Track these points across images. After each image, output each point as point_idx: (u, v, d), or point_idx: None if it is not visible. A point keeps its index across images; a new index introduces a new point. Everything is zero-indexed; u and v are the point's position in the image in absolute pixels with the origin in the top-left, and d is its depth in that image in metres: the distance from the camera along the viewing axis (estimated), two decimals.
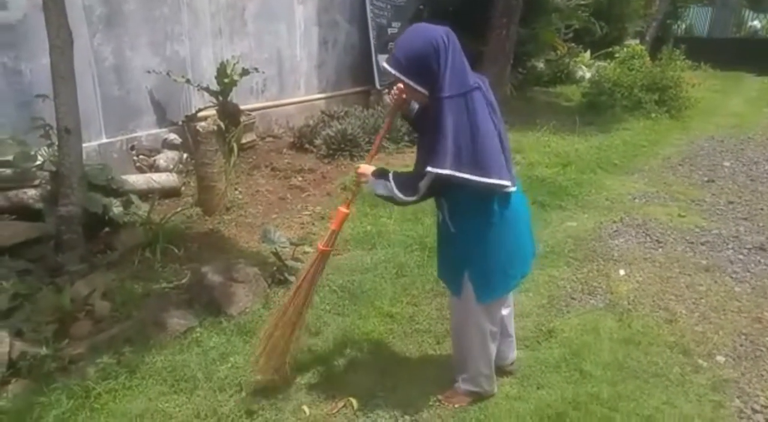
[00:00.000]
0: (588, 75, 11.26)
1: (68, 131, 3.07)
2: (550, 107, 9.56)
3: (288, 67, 6.73)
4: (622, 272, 3.80)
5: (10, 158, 3.55)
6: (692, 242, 4.28)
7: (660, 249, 4.16)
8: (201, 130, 4.13)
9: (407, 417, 2.44)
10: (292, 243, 3.61)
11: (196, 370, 2.64)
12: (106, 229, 3.70)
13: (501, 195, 2.15)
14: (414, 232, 4.16)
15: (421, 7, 8.84)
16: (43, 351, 2.57)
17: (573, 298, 3.47)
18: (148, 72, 4.93)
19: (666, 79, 9.14)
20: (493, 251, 2.22)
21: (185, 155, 5.22)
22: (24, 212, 3.47)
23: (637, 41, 13.24)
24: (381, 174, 2.23)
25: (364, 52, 7.84)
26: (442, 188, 2.12)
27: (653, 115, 8.69)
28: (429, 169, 2.00)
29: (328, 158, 5.96)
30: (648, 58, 10.17)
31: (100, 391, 2.44)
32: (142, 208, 3.94)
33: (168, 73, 5.00)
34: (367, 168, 2.30)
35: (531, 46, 9.76)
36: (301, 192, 5.07)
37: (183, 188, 4.80)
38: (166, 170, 4.88)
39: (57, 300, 2.83)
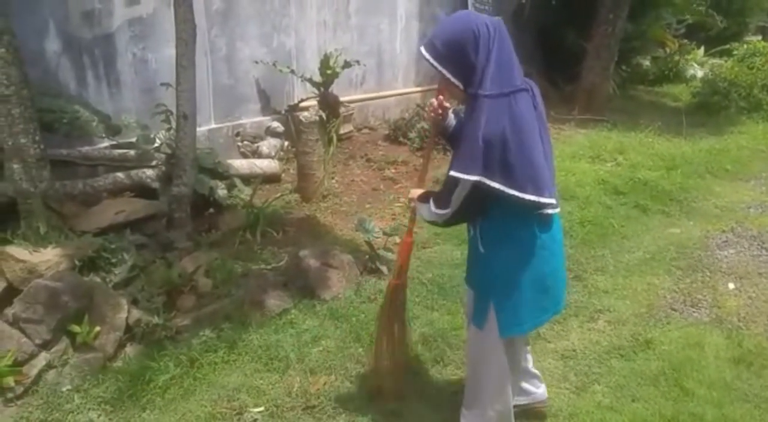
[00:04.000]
0: (700, 74, 10.45)
1: (185, 116, 3.29)
2: (655, 107, 9.01)
3: (387, 60, 6.81)
4: (731, 285, 3.53)
5: (133, 140, 3.87)
6: None
7: None
8: (304, 120, 4.27)
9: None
10: (384, 233, 3.66)
11: (289, 351, 2.74)
12: (211, 210, 3.92)
13: (542, 217, 1.85)
14: None
15: (524, 0, 8.61)
16: (155, 319, 2.77)
17: (674, 309, 3.26)
18: (256, 62, 5.17)
19: None
20: (526, 280, 1.90)
21: (286, 143, 5.44)
22: (142, 190, 3.75)
23: (759, 37, 12.14)
24: (425, 197, 2.00)
25: None
26: (481, 203, 1.82)
27: None
28: (454, 173, 1.74)
29: (422, 151, 5.96)
30: None
31: (202, 362, 2.61)
32: (245, 192, 4.15)
33: (274, 64, 5.21)
34: (415, 192, 2.06)
35: (637, 43, 9.24)
36: (394, 184, 5.13)
37: (283, 175, 5.00)
38: (268, 156, 5.10)
39: (167, 274, 3.04)
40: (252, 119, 5.36)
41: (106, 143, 4.06)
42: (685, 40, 11.00)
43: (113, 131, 3.80)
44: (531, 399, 2.38)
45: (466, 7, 7.59)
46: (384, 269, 3.44)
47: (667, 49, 10.61)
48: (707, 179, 5.59)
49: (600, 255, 3.91)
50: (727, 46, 10.47)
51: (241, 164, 4.57)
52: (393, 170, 5.42)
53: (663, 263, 3.81)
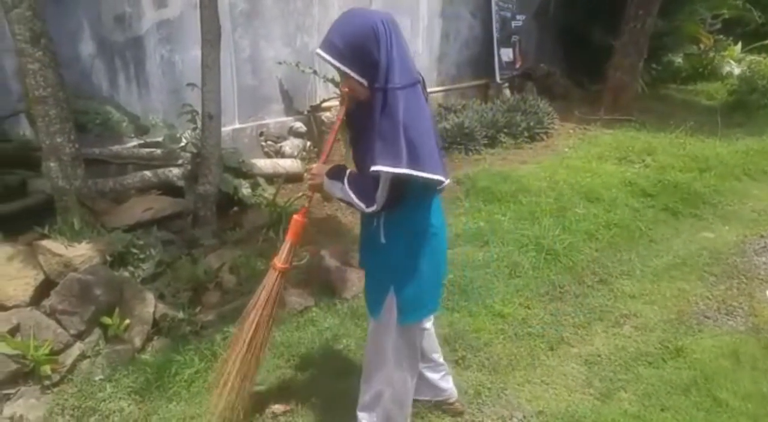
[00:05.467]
0: (737, 71, 10.13)
1: (211, 116, 3.35)
2: (687, 106, 8.79)
3: None
4: None
5: (160, 139, 3.96)
6: None
7: None
8: (326, 120, 4.31)
9: (515, 420, 2.40)
10: None
11: (310, 348, 2.78)
12: (235, 208, 3.99)
13: (435, 199, 1.94)
14: (530, 231, 4.04)
15: None
16: (180, 314, 2.84)
17: (707, 316, 3.19)
18: (279, 63, 5.21)
19: None
20: (426, 266, 1.93)
21: (309, 143, 5.48)
22: (168, 188, 3.84)
23: None
24: (336, 174, 1.91)
25: (486, 45, 7.70)
26: (401, 193, 1.79)
27: None
28: (383, 168, 1.70)
29: (443, 151, 5.93)
30: None
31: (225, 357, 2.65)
32: (268, 191, 4.20)
33: (297, 65, 5.25)
34: (320, 168, 1.96)
35: (669, 40, 9.00)
36: None
37: (305, 174, 5.04)
38: (291, 156, 5.15)
39: (193, 270, 3.11)
40: (275, 119, 5.42)
41: (134, 143, 4.15)
42: (721, 36, 10.69)
43: (142, 130, 3.89)
44: (436, 395, 2.37)
45: (489, 6, 7.55)
46: None
47: (702, 46, 10.31)
48: (744, 181, 5.44)
49: (626, 259, 3.84)
50: (766, 41, 10.13)
51: (264, 164, 4.62)
52: None
53: (695, 268, 3.73)
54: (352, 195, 1.84)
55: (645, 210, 4.64)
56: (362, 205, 1.83)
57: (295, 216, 2.02)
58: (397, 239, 1.90)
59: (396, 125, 1.71)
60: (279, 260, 2.03)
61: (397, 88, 1.73)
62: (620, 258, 3.86)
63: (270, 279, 2.05)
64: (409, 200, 1.83)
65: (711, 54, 10.62)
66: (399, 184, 1.76)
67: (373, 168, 1.71)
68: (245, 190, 3.93)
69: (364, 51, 1.72)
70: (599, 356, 2.84)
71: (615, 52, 7.75)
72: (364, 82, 1.76)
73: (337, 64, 1.73)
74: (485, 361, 2.75)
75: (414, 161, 1.70)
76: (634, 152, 6.04)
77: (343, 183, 1.86)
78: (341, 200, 1.91)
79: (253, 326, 2.06)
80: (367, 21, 1.73)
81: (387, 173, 1.71)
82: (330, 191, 1.91)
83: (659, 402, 2.49)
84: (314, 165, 2.01)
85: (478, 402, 2.50)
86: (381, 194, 1.78)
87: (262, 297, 2.05)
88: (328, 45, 1.73)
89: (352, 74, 1.75)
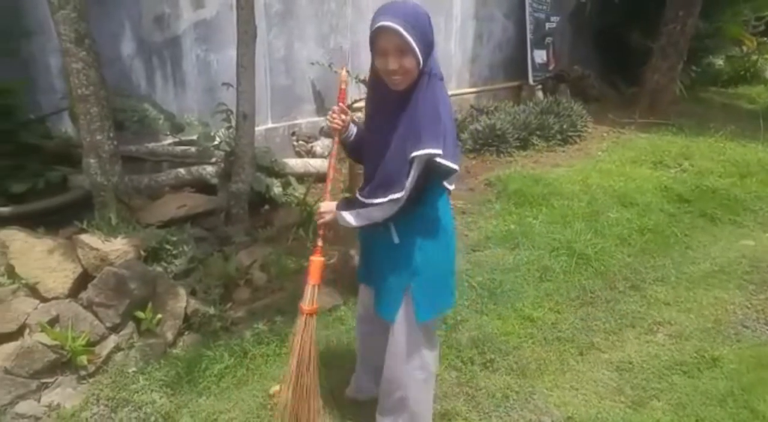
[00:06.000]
0: None
1: (245, 116, 3.39)
2: (727, 110, 8.55)
3: (441, 60, 6.69)
4: None
5: (194, 137, 4.04)
6: None
7: None
8: (357, 120, 4.31)
9: None
10: None
11: (339, 346, 2.79)
12: (266, 207, 4.02)
13: (444, 195, 1.95)
14: (561, 235, 3.98)
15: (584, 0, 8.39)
16: (211, 310, 2.89)
17: (745, 326, 3.09)
18: (312, 64, 5.27)
19: None
20: (442, 262, 1.98)
21: None
22: (202, 186, 3.91)
23: None
24: (347, 204, 1.89)
25: (519, 46, 7.63)
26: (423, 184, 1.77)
27: None
28: (430, 150, 1.67)
29: (474, 152, 5.92)
30: None
31: (255, 354, 2.69)
32: (299, 190, 4.24)
33: (329, 65, 5.29)
34: (328, 205, 1.94)
35: (711, 42, 8.78)
36: None
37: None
38: (321, 156, 5.19)
39: (224, 267, 3.16)
40: (307, 119, 5.47)
41: (169, 141, 4.24)
42: (765, 38, 10.37)
43: (177, 129, 3.97)
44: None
45: (523, 8, 7.48)
46: None
47: (744, 48, 10.03)
48: None
49: (660, 265, 3.76)
50: None
51: (295, 163, 4.66)
52: None
53: (733, 276, 3.61)
54: (374, 201, 1.79)
55: (681, 216, 4.52)
56: (386, 199, 1.76)
57: (312, 258, 2.00)
58: (411, 237, 1.90)
59: (437, 110, 1.72)
60: (306, 304, 2.01)
61: (438, 77, 1.76)
62: (654, 264, 3.77)
63: (302, 324, 2.02)
64: (422, 195, 1.82)
65: (754, 56, 10.32)
66: (427, 173, 1.74)
67: (422, 151, 1.68)
68: (276, 189, 3.97)
69: (425, 31, 1.70)
70: (631, 363, 2.78)
71: (653, 55, 7.61)
72: (420, 61, 1.70)
73: (408, 37, 1.65)
74: (514, 365, 2.72)
75: (446, 150, 1.71)
76: (670, 156, 5.91)
77: (358, 206, 1.85)
78: (359, 226, 1.88)
79: (298, 373, 2.02)
80: (421, 8, 1.73)
81: (429, 155, 1.69)
82: (345, 222, 1.88)
83: (694, 413, 2.42)
84: (321, 204, 1.98)
85: (506, 405, 2.47)
86: (410, 181, 1.74)
87: (298, 344, 2.01)
88: (398, 19, 1.65)
89: (417, 51, 1.67)
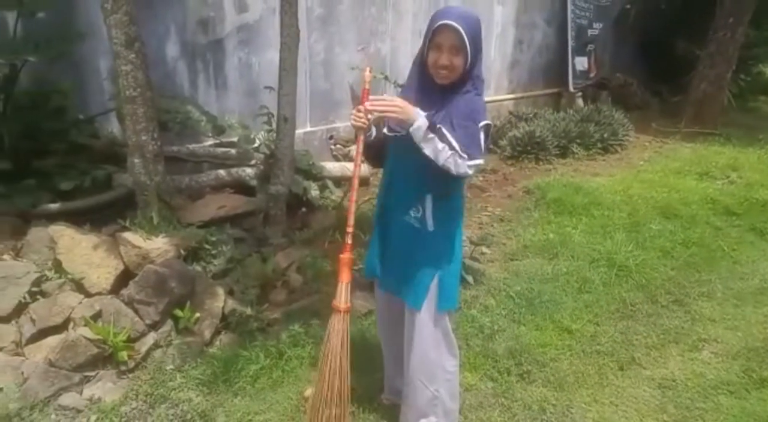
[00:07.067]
0: None
1: (286, 119, 3.42)
2: None
3: None
4: None
5: (235, 139, 4.10)
6: None
7: None
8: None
9: None
10: (471, 242, 3.62)
11: (374, 351, 2.77)
12: (303, 209, 4.05)
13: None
14: (601, 246, 3.89)
15: (628, 6, 8.22)
16: (248, 310, 2.91)
17: None
18: (352, 68, 5.29)
19: None
20: (459, 247, 2.06)
21: None
22: (241, 188, 3.95)
23: None
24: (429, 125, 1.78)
25: (560, 53, 7.53)
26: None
27: None
28: (489, 122, 1.87)
29: (512, 159, 5.85)
30: None
31: (290, 356, 2.69)
32: (336, 193, 4.26)
33: (369, 70, 5.30)
34: (406, 101, 1.82)
35: (761, 50, 8.50)
36: (482, 192, 5.05)
37: (372, 179, 5.07)
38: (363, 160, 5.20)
39: (262, 268, 3.18)
40: (345, 123, 5.49)
41: (210, 142, 4.31)
42: None
43: (218, 130, 4.03)
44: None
45: (565, 14, 7.38)
46: (470, 278, 3.39)
47: None
48: None
49: (706, 280, 3.63)
50: None
51: (333, 167, 4.68)
52: (481, 178, 5.34)
53: None
54: (455, 143, 1.75)
55: (728, 229, 4.38)
56: (472, 160, 1.77)
57: (341, 256, 2.00)
58: (443, 224, 1.96)
59: (482, 98, 1.91)
60: (339, 302, 1.99)
61: (481, 79, 1.92)
62: (699, 279, 3.65)
63: (336, 323, 2.00)
64: (457, 182, 1.96)
65: None
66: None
67: (485, 121, 1.84)
68: (314, 192, 4.00)
69: (478, 36, 1.86)
70: (674, 380, 2.69)
71: (700, 63, 7.39)
72: (468, 62, 1.84)
73: (465, 37, 1.79)
74: (551, 377, 2.66)
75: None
76: (717, 167, 5.72)
77: (442, 136, 1.76)
78: (420, 146, 1.76)
79: (335, 372, 1.99)
80: (477, 15, 1.89)
81: (488, 126, 1.86)
82: (417, 128, 1.76)
83: None
84: (395, 98, 1.86)
85: (542, 418, 2.42)
86: (484, 146, 1.85)
87: (334, 343, 1.99)
88: (457, 21, 1.79)
89: (468, 52, 1.82)
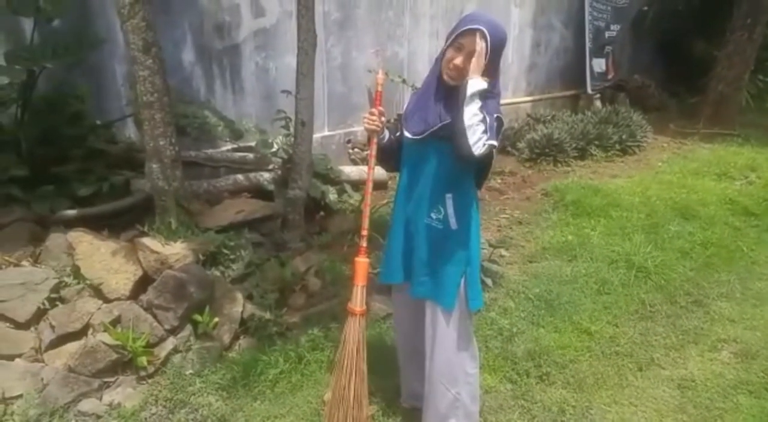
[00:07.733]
0: None
1: (304, 123, 3.43)
2: None
3: None
4: None
5: (253, 143, 4.12)
6: None
7: None
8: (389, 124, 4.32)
9: None
10: (490, 245, 3.60)
11: (393, 354, 2.75)
12: (322, 213, 4.07)
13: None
14: (620, 248, 3.86)
15: (646, 7, 8.15)
16: (267, 315, 2.92)
17: None
18: (369, 71, 5.30)
19: None
20: (478, 243, 2.08)
21: None
22: (258, 192, 3.98)
23: None
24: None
25: (578, 55, 7.48)
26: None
27: None
28: (501, 116, 1.88)
29: (530, 161, 5.82)
30: None
31: (309, 360, 2.70)
32: (354, 197, 4.27)
33: (386, 73, 5.30)
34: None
35: None
36: (500, 195, 5.03)
37: (390, 182, 5.07)
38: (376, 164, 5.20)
39: (280, 272, 3.19)
40: (362, 126, 5.50)
41: (227, 146, 4.34)
42: None
43: (236, 135, 4.05)
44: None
45: (582, 16, 7.33)
46: (489, 281, 3.37)
47: None
48: None
49: (725, 280, 3.59)
50: None
51: (351, 171, 4.69)
52: (499, 181, 5.32)
53: None
54: (488, 119, 1.79)
55: (747, 230, 4.33)
56: (489, 140, 1.79)
57: (356, 259, 2.01)
58: (465, 221, 1.97)
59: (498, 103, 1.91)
60: (355, 305, 2.01)
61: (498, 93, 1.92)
62: (718, 279, 3.61)
63: (352, 326, 2.02)
64: (472, 180, 1.99)
65: None
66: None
67: (497, 114, 1.85)
68: (332, 196, 4.01)
69: (499, 52, 1.86)
70: (693, 381, 2.67)
71: (718, 63, 7.32)
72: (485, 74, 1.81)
73: (488, 50, 1.79)
74: (570, 378, 2.65)
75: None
76: (735, 167, 5.65)
77: (484, 107, 1.80)
78: (466, 109, 1.76)
79: (351, 375, 2.02)
80: (504, 26, 1.90)
81: (501, 120, 1.87)
82: (475, 85, 1.77)
83: None
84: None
85: (562, 420, 2.41)
86: (498, 138, 1.86)
87: (350, 345, 2.02)
88: (485, 26, 1.79)
89: (484, 59, 1.80)
